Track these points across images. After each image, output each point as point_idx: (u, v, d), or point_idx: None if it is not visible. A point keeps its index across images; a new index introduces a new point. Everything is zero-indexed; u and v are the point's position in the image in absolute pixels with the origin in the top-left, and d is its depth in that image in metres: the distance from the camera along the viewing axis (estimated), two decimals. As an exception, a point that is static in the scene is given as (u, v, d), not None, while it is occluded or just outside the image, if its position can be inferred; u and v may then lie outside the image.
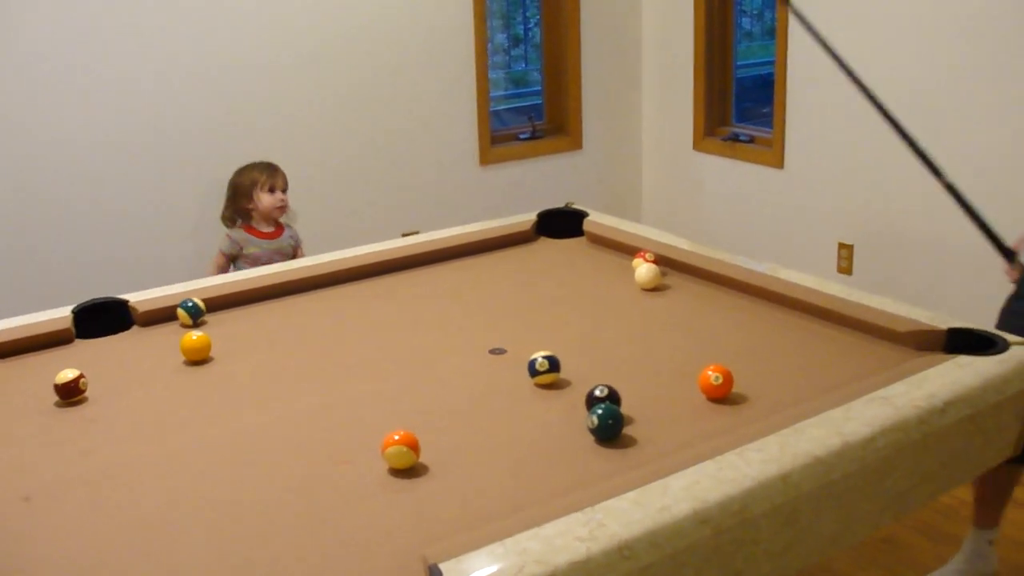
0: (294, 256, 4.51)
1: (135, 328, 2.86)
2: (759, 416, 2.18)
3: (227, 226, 4.59)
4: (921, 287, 4.75)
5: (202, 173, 4.77)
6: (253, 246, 4.48)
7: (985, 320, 2.73)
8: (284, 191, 4.56)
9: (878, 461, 2.09)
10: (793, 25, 5.12)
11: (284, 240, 4.57)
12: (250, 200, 4.53)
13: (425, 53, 5.27)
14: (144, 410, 2.38)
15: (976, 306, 4.46)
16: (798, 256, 5.27)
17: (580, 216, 3.53)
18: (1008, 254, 3.17)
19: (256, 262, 4.31)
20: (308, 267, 3.20)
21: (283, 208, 4.56)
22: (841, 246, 5.14)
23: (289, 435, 2.23)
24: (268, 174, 4.54)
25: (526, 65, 6.17)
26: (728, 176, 5.69)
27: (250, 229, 4.53)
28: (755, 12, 6.12)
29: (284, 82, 4.92)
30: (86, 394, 2.42)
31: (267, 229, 4.55)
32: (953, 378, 2.29)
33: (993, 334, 2.48)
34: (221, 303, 2.97)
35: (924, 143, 3.34)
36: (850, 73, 3.47)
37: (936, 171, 3.27)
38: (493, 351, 2.61)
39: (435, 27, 5.27)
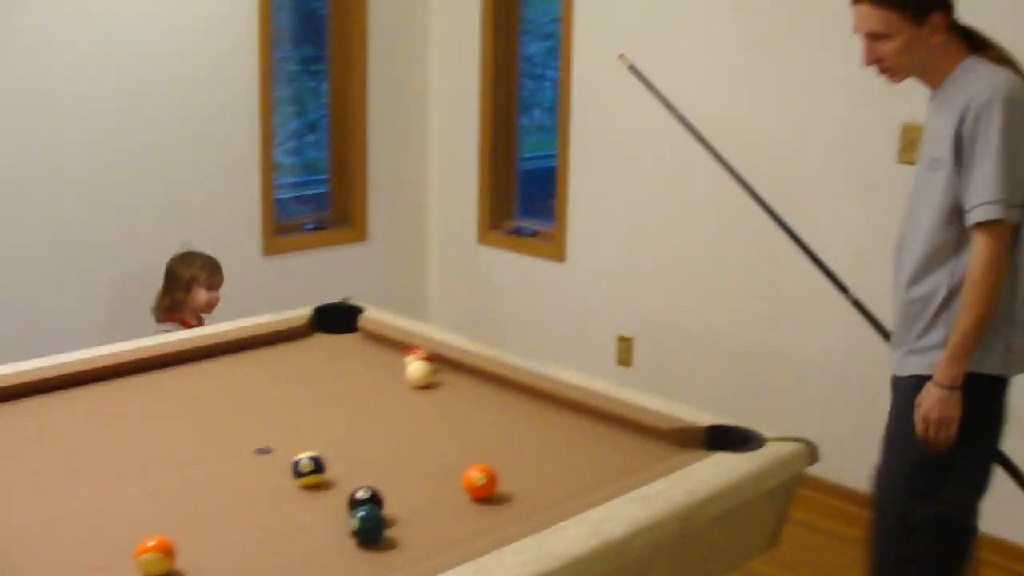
0: None
1: None
2: (522, 516, 2.20)
3: (158, 317, 4.42)
4: (698, 379, 4.88)
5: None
6: None
7: (759, 414, 2.80)
8: (218, 289, 4.47)
9: (636, 559, 2.13)
10: (575, 117, 5.24)
11: None
12: (187, 293, 4.41)
13: (206, 137, 5.15)
14: None
15: (750, 398, 4.61)
16: (579, 349, 5.35)
17: (357, 311, 3.51)
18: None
19: None
20: (71, 363, 3.07)
21: (213, 307, 4.46)
22: (621, 339, 5.24)
23: (36, 544, 2.13)
24: (210, 272, 4.44)
25: (319, 153, 6.14)
26: (512, 270, 5.76)
27: (183, 321, 4.37)
28: (548, 105, 6.25)
29: (47, 162, 4.70)
30: None
31: (194, 323, 4.39)
32: (711, 475, 2.35)
33: (750, 430, 2.56)
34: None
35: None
36: (734, 173, 3.51)
37: (841, 287, 3.23)
38: (259, 451, 2.56)
39: (218, 109, 5.17)
